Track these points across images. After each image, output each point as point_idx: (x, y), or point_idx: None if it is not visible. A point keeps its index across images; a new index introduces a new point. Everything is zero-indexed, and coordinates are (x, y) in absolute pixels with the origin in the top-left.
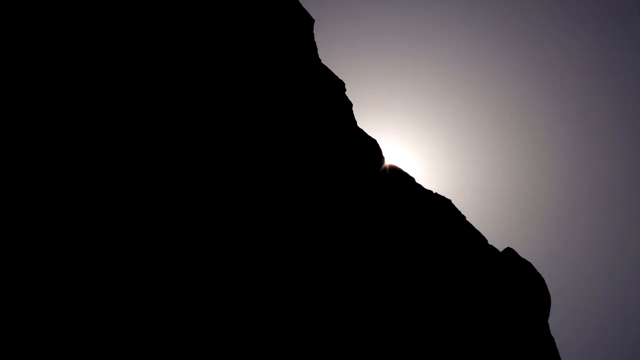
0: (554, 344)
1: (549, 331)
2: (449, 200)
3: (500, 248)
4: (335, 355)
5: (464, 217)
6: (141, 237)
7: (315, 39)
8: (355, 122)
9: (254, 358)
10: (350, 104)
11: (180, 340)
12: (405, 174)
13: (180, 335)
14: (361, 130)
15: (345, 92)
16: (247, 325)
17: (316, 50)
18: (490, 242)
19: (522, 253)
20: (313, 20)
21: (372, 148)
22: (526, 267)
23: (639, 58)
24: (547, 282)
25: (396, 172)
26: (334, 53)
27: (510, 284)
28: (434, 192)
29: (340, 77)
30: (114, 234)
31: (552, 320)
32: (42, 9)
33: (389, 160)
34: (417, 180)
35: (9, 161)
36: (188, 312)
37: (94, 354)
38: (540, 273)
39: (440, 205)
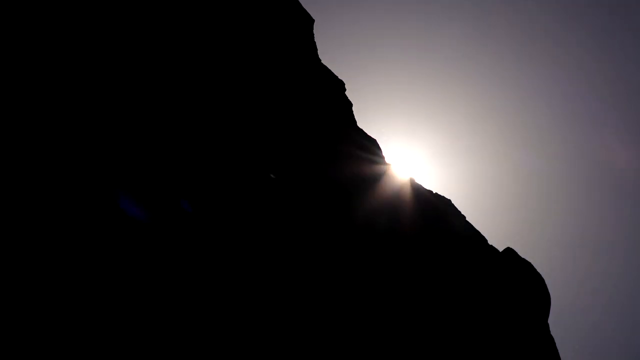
0: (554, 344)
1: (549, 331)
2: (449, 200)
3: (500, 248)
4: (337, 354)
5: (464, 216)
6: (136, 236)
7: (315, 39)
8: (355, 121)
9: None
10: (350, 104)
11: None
12: (405, 174)
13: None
14: (361, 129)
15: (345, 92)
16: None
17: (316, 50)
18: (490, 242)
19: (522, 253)
20: (313, 20)
21: (372, 147)
22: (526, 267)
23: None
24: (547, 282)
25: (396, 171)
26: (334, 53)
27: (510, 284)
28: (434, 191)
29: (340, 77)
30: (111, 233)
31: (552, 320)
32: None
33: (390, 159)
34: (417, 180)
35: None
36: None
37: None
38: (540, 273)
39: (440, 205)
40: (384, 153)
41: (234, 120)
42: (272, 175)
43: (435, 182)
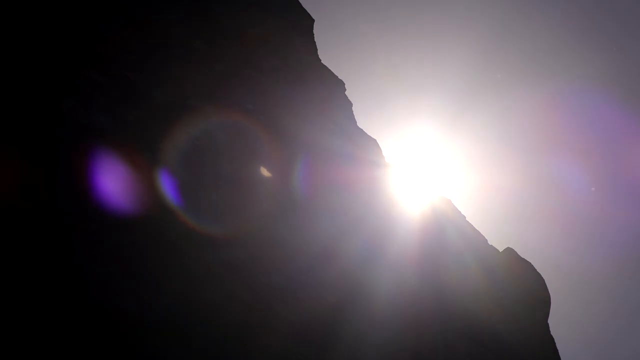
0: (554, 344)
1: (549, 331)
2: (449, 200)
3: (501, 248)
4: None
5: (464, 216)
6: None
7: (315, 39)
8: (355, 121)
9: None
10: (350, 104)
11: None
12: (405, 173)
13: None
14: (361, 129)
15: (345, 92)
16: None
17: (316, 49)
18: (490, 242)
19: (522, 253)
20: (313, 20)
21: (371, 147)
22: (526, 267)
23: None
24: (547, 282)
25: (395, 170)
26: (333, 53)
27: (510, 283)
28: (434, 191)
29: (340, 77)
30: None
31: (552, 320)
32: None
33: (389, 159)
34: (416, 180)
35: None
36: None
37: None
38: (540, 273)
39: (440, 205)
40: (384, 153)
41: (233, 119)
42: (266, 173)
43: (435, 182)
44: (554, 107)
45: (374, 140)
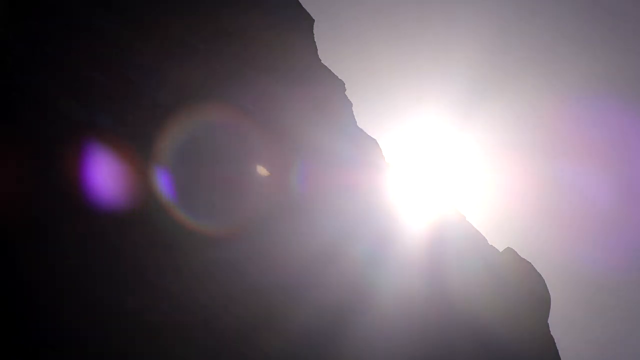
0: (554, 344)
1: (549, 331)
2: (449, 200)
3: (501, 248)
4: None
5: (464, 216)
6: None
7: (315, 39)
8: (355, 121)
9: None
10: (350, 104)
11: None
12: (405, 173)
13: None
14: (361, 130)
15: (345, 92)
16: None
17: (316, 50)
18: (490, 242)
19: (522, 253)
20: (313, 20)
21: (371, 147)
22: (526, 267)
23: None
24: (547, 282)
25: (396, 171)
26: (333, 53)
27: (511, 284)
28: (433, 191)
29: (340, 77)
30: None
31: (552, 320)
32: None
33: (390, 159)
34: (416, 180)
35: None
36: None
37: None
38: (541, 273)
39: (439, 205)
40: (384, 153)
41: (232, 120)
42: (264, 172)
43: (435, 181)
44: (562, 109)
45: (374, 140)
